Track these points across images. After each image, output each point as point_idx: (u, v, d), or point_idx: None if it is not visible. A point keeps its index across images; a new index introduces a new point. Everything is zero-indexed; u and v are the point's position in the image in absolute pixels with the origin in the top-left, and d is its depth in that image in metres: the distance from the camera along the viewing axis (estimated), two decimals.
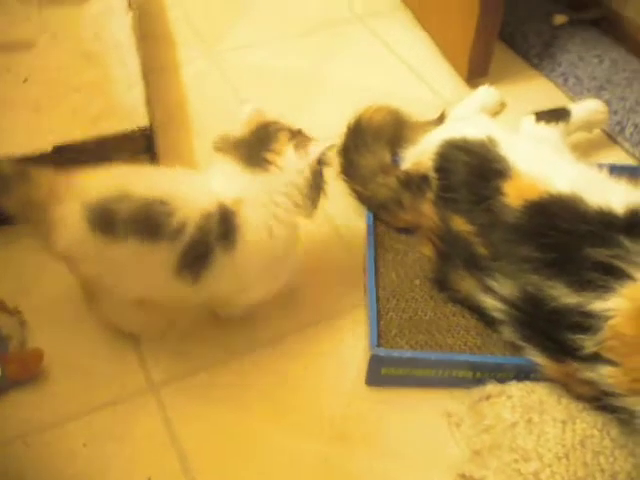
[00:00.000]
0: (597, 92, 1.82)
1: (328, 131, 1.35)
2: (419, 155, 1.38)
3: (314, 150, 1.19)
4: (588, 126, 1.67)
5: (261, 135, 1.21)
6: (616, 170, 1.52)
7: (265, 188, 1.18)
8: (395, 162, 1.47)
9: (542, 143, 1.44)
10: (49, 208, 1.13)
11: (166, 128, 1.67)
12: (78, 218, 1.12)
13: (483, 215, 1.24)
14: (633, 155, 1.71)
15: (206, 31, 2.01)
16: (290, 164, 1.18)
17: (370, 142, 1.43)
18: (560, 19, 2.02)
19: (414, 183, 1.36)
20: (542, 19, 2.04)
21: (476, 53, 1.78)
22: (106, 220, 1.11)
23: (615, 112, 1.77)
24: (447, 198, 1.29)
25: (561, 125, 1.54)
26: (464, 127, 1.38)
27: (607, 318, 1.11)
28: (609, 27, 2.01)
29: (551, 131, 1.52)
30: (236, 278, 1.21)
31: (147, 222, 1.11)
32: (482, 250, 1.23)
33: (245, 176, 1.18)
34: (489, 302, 1.24)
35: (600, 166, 1.35)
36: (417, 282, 1.37)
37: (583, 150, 1.69)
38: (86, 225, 1.11)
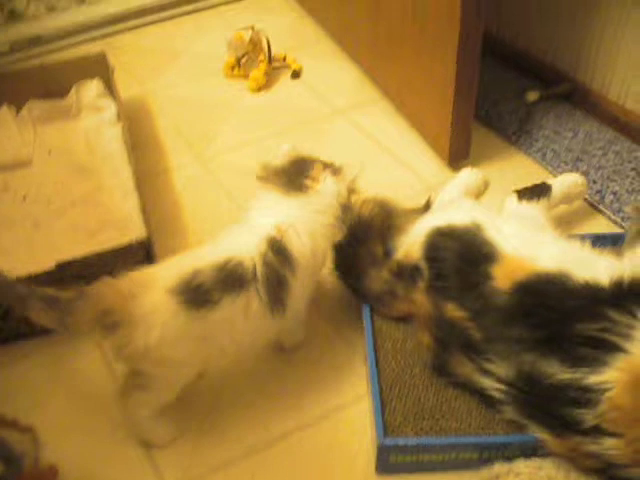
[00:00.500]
0: (574, 164, 1.89)
1: None
2: (409, 245, 1.41)
3: (348, 175, 1.37)
4: (569, 199, 1.71)
5: (299, 165, 1.38)
6: (599, 240, 1.57)
7: (304, 210, 1.33)
8: (387, 252, 1.51)
9: (525, 222, 1.49)
10: (126, 308, 1.19)
11: (163, 233, 1.71)
12: (168, 303, 1.19)
13: (474, 300, 1.27)
14: (615, 222, 1.75)
15: (195, 137, 2.07)
16: (327, 188, 1.34)
17: (361, 235, 1.47)
18: (533, 96, 2.09)
19: (406, 273, 1.39)
20: (516, 97, 2.11)
21: (455, 137, 1.84)
22: (198, 294, 1.20)
23: (594, 182, 1.83)
24: (438, 286, 1.32)
25: (543, 201, 1.59)
26: (449, 214, 1.42)
27: (604, 391, 1.13)
28: (579, 100, 2.08)
29: (533, 208, 1.56)
30: (303, 295, 1.35)
31: (231, 277, 1.23)
32: (476, 334, 1.26)
33: (285, 201, 1.34)
34: (488, 384, 1.26)
35: (583, 238, 1.39)
36: (417, 369, 1.39)
37: (566, 222, 1.74)
38: (179, 306, 1.19)
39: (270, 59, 2.24)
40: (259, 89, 2.22)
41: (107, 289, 1.21)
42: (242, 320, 1.25)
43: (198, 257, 1.26)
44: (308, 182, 1.34)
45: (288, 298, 1.29)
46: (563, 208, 1.74)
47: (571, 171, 1.84)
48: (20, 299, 1.18)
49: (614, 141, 1.96)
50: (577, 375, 1.16)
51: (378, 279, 1.44)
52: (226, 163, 1.97)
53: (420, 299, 1.36)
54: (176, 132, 2.09)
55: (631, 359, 1.14)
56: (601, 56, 1.99)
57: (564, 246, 1.36)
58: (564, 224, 1.73)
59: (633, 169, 1.86)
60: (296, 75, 2.27)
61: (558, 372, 1.17)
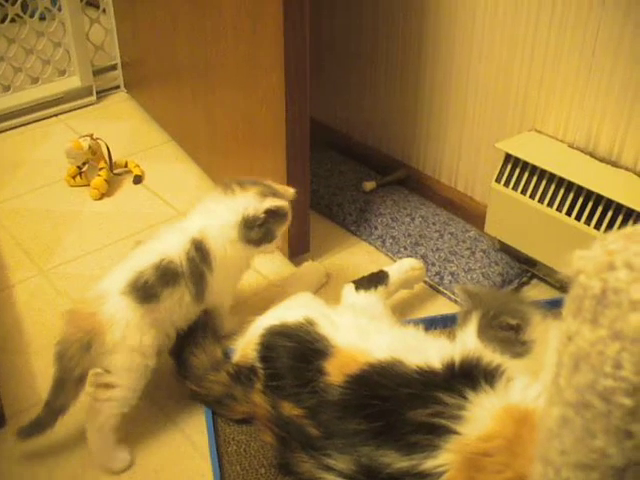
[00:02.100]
0: (413, 248, 1.96)
1: None
2: (245, 346, 1.42)
3: (266, 202, 1.53)
4: (408, 283, 1.76)
5: (250, 181, 1.57)
6: (436, 322, 1.63)
7: (223, 211, 1.52)
8: (227, 354, 1.51)
9: (363, 311, 1.52)
10: (91, 325, 1.35)
11: (5, 352, 1.67)
12: (125, 303, 1.37)
13: (309, 397, 1.28)
14: (455, 302, 1.82)
15: (37, 248, 2.03)
16: (242, 198, 1.53)
17: (200, 340, 1.48)
18: (370, 185, 2.17)
19: (243, 375, 1.39)
20: (354, 188, 2.19)
21: (293, 232, 1.86)
22: (146, 290, 1.39)
23: (432, 264, 1.90)
24: (274, 386, 1.33)
25: (380, 289, 1.63)
26: (282, 311, 1.44)
27: (440, 474, 1.15)
28: (414, 185, 2.18)
29: (371, 297, 1.60)
30: (219, 291, 1.53)
31: (167, 274, 1.42)
32: (314, 431, 1.26)
33: (215, 201, 1.55)
34: (330, 479, 1.26)
35: (417, 323, 1.44)
36: (263, 470, 1.37)
37: (409, 305, 1.80)
38: (134, 303, 1.38)
39: (111, 166, 2.25)
40: (101, 196, 2.21)
41: (73, 319, 1.38)
42: (179, 309, 1.45)
43: (137, 260, 1.43)
44: (236, 189, 1.54)
45: (206, 290, 1.48)
46: (405, 292, 1.80)
47: (410, 255, 1.90)
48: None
49: (449, 222, 2.05)
50: (413, 462, 1.18)
51: (216, 382, 1.43)
52: (69, 273, 1.93)
53: (258, 400, 1.36)
54: (17, 245, 2.04)
55: (462, 439, 1.17)
56: (431, 143, 2.11)
57: (398, 334, 1.40)
58: (407, 308, 1.78)
59: (468, 248, 1.95)
60: (138, 180, 2.28)
61: (395, 461, 1.19)
